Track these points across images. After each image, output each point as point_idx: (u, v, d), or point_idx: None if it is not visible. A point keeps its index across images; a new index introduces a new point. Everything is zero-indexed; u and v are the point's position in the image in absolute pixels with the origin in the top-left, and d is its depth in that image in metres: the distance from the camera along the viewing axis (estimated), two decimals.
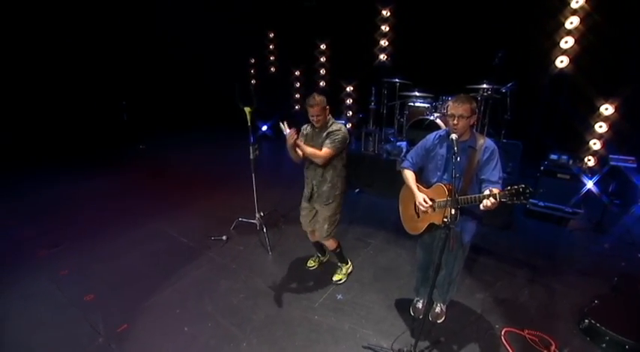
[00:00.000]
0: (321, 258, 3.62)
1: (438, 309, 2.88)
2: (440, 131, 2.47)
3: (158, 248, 3.90)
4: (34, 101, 7.93)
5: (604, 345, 2.57)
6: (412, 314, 2.92)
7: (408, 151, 4.69)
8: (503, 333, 2.71)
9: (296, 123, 2.90)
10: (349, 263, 3.48)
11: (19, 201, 5.06)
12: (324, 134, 2.82)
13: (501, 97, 5.09)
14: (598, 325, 2.61)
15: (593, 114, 5.16)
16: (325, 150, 2.76)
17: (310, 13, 7.65)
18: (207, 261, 3.70)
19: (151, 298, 3.13)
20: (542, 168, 4.56)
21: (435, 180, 2.41)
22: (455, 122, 2.18)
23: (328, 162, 2.82)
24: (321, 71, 8.13)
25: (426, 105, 5.37)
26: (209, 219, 4.55)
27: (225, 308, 3.00)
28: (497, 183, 2.19)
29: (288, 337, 2.70)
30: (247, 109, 3.69)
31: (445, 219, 2.07)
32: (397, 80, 5.78)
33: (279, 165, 6.84)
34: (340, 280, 3.33)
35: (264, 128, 8.88)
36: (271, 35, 8.80)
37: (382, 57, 7.15)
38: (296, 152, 2.83)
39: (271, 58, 9.01)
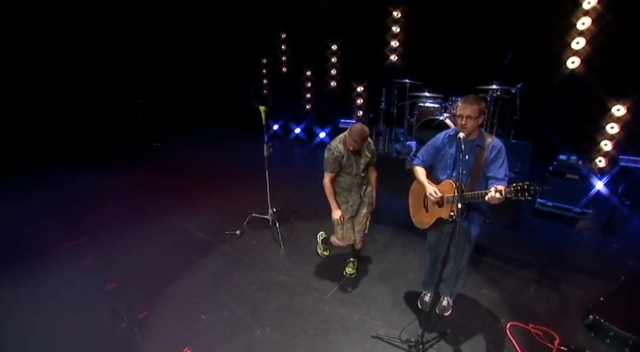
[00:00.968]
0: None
1: (445, 303, 2.97)
2: (449, 130, 2.55)
3: (175, 241, 4.07)
4: (57, 99, 8.26)
5: (608, 341, 2.63)
6: (420, 306, 3.02)
7: (417, 150, 4.77)
8: (508, 327, 2.78)
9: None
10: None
11: (46, 196, 5.29)
12: (367, 151, 2.95)
13: (511, 98, 5.12)
14: (602, 321, 2.67)
15: (605, 114, 5.15)
16: (375, 173, 3.14)
17: (322, 14, 7.74)
18: (222, 254, 3.85)
19: (170, 287, 3.29)
20: (550, 168, 4.59)
21: (444, 177, 2.51)
22: (463, 122, 2.28)
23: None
24: (332, 71, 8.22)
25: (436, 105, 5.44)
26: (223, 214, 4.70)
27: (240, 299, 3.14)
28: (504, 181, 2.28)
29: (300, 326, 2.82)
30: (262, 108, 3.80)
31: (452, 214, 2.17)
32: (407, 80, 5.86)
33: (289, 163, 6.97)
34: (353, 274, 3.45)
35: (275, 127, 9.06)
36: (283, 36, 8.92)
37: (393, 57, 7.23)
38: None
39: (283, 59, 9.15)
